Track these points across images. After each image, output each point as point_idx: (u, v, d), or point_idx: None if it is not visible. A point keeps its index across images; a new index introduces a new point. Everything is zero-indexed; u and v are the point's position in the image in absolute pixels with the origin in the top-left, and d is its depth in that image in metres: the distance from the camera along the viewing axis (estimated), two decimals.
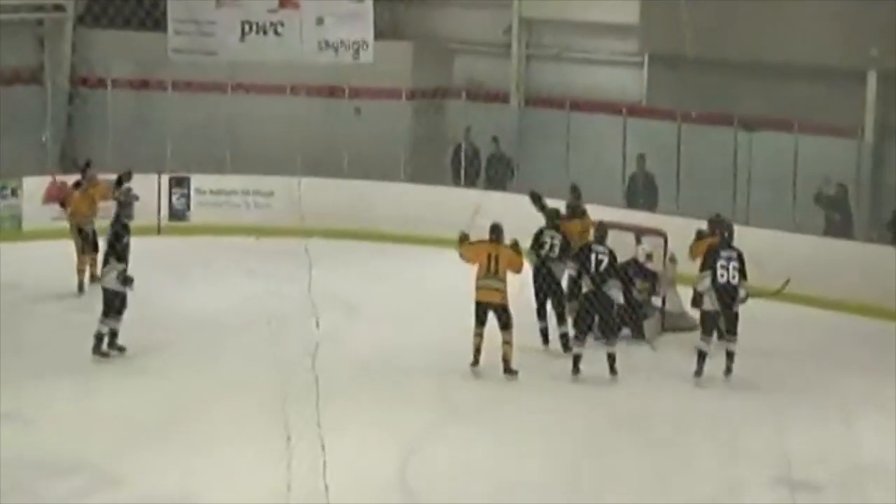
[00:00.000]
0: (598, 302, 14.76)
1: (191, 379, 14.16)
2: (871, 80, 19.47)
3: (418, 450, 12.41)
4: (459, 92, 22.84)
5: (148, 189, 19.43)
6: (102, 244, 15.69)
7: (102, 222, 16.61)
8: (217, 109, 22.33)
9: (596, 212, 16.73)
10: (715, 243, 15.11)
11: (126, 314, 14.99)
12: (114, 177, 17.44)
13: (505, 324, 14.53)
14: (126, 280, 14.81)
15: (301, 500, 9.68)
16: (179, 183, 21.90)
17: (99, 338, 14.81)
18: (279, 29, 20.89)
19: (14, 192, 20.87)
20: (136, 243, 16.31)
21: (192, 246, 20.68)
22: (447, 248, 15.14)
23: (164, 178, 21.64)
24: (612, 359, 14.72)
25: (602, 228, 15.33)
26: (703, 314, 14.98)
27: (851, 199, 19.31)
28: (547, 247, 15.78)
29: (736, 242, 15.01)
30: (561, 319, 15.66)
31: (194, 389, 13.78)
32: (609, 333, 14.84)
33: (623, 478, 11.97)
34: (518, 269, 14.75)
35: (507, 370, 14.57)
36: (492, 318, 14.60)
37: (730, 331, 14.87)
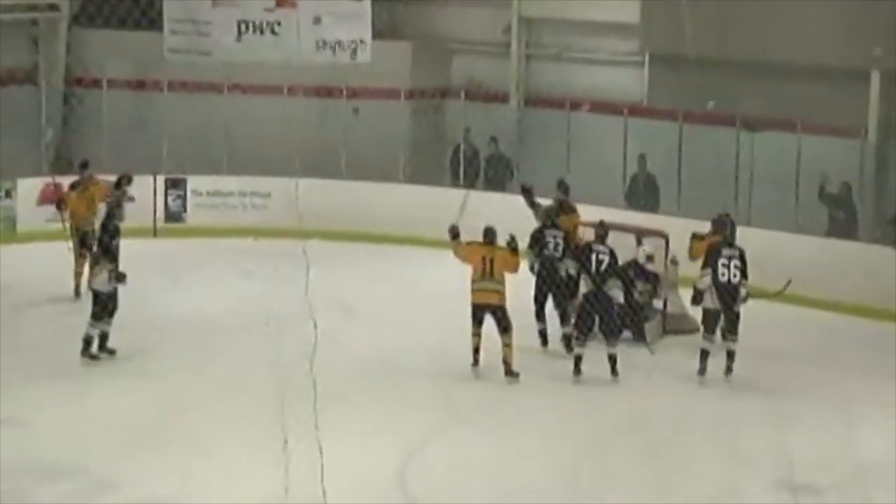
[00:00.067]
0: (598, 302, 14.80)
1: (187, 381, 14.18)
2: (875, 79, 19.47)
3: (417, 452, 12.44)
4: (458, 92, 22.86)
5: (144, 190, 19.48)
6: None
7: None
8: (214, 110, 22.34)
9: (596, 213, 16.75)
10: (717, 242, 15.17)
11: (122, 316, 15.03)
12: (110, 177, 17.47)
13: (504, 327, 14.57)
14: (119, 277, 14.84)
15: (299, 503, 9.72)
16: (176, 184, 21.93)
17: (87, 341, 14.85)
18: (276, 28, 20.93)
19: (8, 194, 20.89)
20: (131, 245, 16.41)
21: (188, 248, 20.70)
22: (446, 249, 15.17)
23: (161, 180, 21.66)
24: (613, 360, 14.77)
25: (603, 228, 15.37)
26: (705, 313, 15.04)
27: (855, 199, 19.35)
28: (551, 246, 15.83)
29: (737, 243, 15.06)
30: (563, 320, 15.72)
31: (191, 392, 13.81)
32: (610, 334, 14.89)
33: (623, 479, 12.01)
34: (514, 270, 14.78)
35: (509, 372, 14.61)
36: (489, 320, 14.64)
37: (730, 330, 14.92)
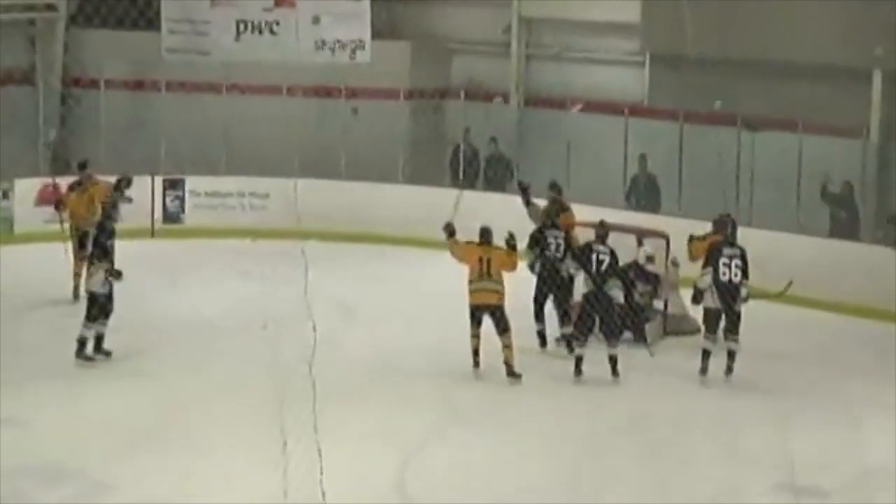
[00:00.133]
0: (598, 303, 14.83)
1: (186, 382, 14.19)
2: (877, 79, 19.48)
3: (417, 454, 12.45)
4: (458, 92, 22.87)
5: (142, 191, 19.47)
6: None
7: None
8: (212, 110, 22.34)
9: (597, 213, 16.77)
10: (718, 241, 15.21)
11: (120, 317, 15.06)
12: (108, 178, 17.48)
13: (503, 328, 14.59)
14: (115, 274, 14.86)
15: None
16: (174, 185, 21.94)
17: (82, 342, 14.87)
18: (275, 28, 20.94)
19: (5, 195, 20.90)
20: (129, 246, 16.44)
21: (186, 249, 20.71)
22: (446, 250, 15.18)
23: (158, 180, 21.67)
24: (613, 360, 14.79)
25: (604, 228, 15.39)
26: (706, 312, 15.07)
27: (857, 199, 19.35)
28: (553, 247, 15.87)
29: (738, 243, 15.10)
30: (565, 320, 15.75)
31: (190, 393, 13.82)
32: (610, 335, 14.91)
33: (624, 480, 12.03)
34: (512, 269, 14.80)
35: (511, 373, 14.63)
36: (488, 321, 14.67)
37: (731, 330, 14.95)
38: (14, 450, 12.03)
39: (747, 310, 15.09)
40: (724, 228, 15.48)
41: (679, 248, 16.30)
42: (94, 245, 15.13)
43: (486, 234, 14.88)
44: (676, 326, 16.60)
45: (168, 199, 21.89)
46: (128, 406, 13.49)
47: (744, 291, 14.97)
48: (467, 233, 14.97)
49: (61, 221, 17.86)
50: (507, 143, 22.36)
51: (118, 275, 14.91)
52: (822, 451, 12.63)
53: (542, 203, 16.65)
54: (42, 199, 20.61)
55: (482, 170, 22.35)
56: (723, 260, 14.96)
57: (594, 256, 15.01)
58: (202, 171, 22.01)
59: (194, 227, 21.71)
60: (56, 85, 22.96)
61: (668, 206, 20.42)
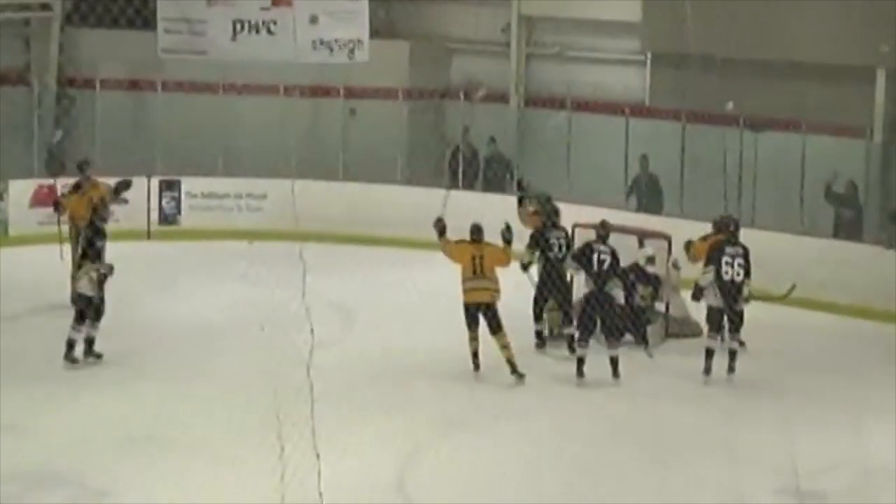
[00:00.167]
0: (598, 303, 14.78)
1: (182, 386, 14.14)
2: (881, 78, 19.46)
3: (416, 459, 12.41)
4: (457, 92, 22.82)
5: (138, 192, 19.40)
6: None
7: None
8: (209, 110, 22.30)
9: (598, 214, 16.71)
10: (720, 240, 15.22)
11: (115, 320, 15.01)
12: (103, 179, 17.42)
13: (495, 327, 14.55)
14: (108, 268, 14.77)
15: None
16: (170, 186, 21.89)
17: (70, 344, 14.81)
18: (272, 28, 20.86)
19: (0, 196, 20.85)
20: (125, 248, 16.42)
21: (182, 251, 20.67)
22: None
23: (155, 182, 21.62)
24: (614, 362, 14.75)
25: (605, 228, 15.35)
26: (709, 311, 15.09)
27: (861, 199, 19.30)
28: (556, 248, 15.85)
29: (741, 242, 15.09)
30: (567, 320, 15.70)
31: (186, 397, 13.76)
32: (610, 335, 14.86)
33: (625, 483, 12.01)
34: (505, 264, 14.77)
35: (514, 372, 14.60)
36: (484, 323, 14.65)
37: (733, 329, 14.93)
38: (9, 454, 11.96)
39: (750, 311, 15.05)
40: (726, 230, 15.47)
41: (680, 251, 16.27)
42: (82, 248, 15.06)
43: (477, 231, 14.85)
44: (678, 329, 16.56)
45: (164, 201, 21.84)
46: (124, 410, 13.44)
47: (746, 290, 14.94)
48: (466, 233, 14.91)
49: (59, 223, 17.74)
50: (507, 143, 22.31)
51: (109, 269, 14.82)
52: (826, 454, 12.59)
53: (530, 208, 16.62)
54: (37, 201, 20.55)
55: (481, 170, 22.30)
56: (725, 259, 14.95)
57: (595, 256, 14.97)
58: (199, 172, 21.96)
59: (191, 228, 21.66)
60: (51, 85, 22.92)
61: (670, 206, 20.39)
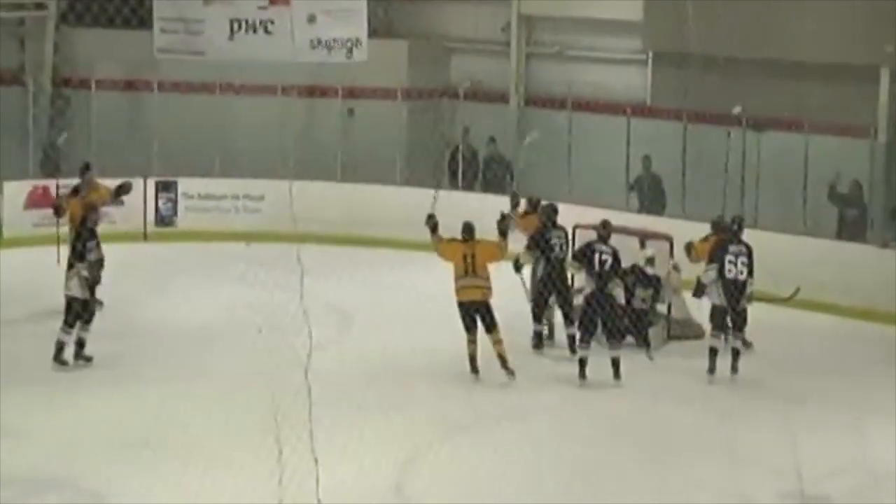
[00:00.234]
0: (599, 304, 14.79)
1: (179, 389, 14.13)
2: (885, 77, 19.47)
3: (415, 462, 12.42)
4: (457, 92, 22.84)
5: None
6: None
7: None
8: (205, 111, 22.32)
9: (599, 215, 16.71)
10: (724, 239, 15.26)
11: (111, 323, 15.02)
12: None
13: (489, 325, 14.60)
14: (97, 265, 14.76)
15: None
16: (166, 187, 21.91)
17: (60, 347, 14.84)
18: (269, 27, 20.78)
19: None
20: (121, 250, 16.42)
21: (179, 252, 20.68)
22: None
23: (151, 183, 21.65)
24: (616, 363, 14.77)
25: (606, 228, 15.37)
26: (713, 309, 15.14)
27: (865, 199, 19.31)
28: (557, 249, 15.89)
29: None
30: (568, 321, 15.73)
31: (182, 400, 13.75)
32: (611, 337, 14.88)
33: (626, 484, 12.03)
34: (500, 257, 14.83)
35: (504, 366, 14.64)
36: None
37: (736, 328, 14.96)
38: (5, 458, 11.97)
39: (752, 312, 15.08)
40: (724, 230, 15.53)
41: (681, 253, 16.29)
42: (73, 248, 15.08)
43: (468, 229, 14.89)
44: (680, 331, 16.59)
45: (161, 202, 21.86)
46: (119, 413, 13.44)
47: (749, 289, 14.97)
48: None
49: (59, 226, 17.69)
50: (507, 144, 22.31)
51: (98, 265, 14.82)
52: (831, 458, 12.59)
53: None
54: (32, 202, 20.55)
55: (481, 171, 22.31)
56: (728, 257, 14.99)
57: (596, 257, 15.00)
58: (195, 173, 21.98)
59: (187, 230, 21.68)
60: (46, 85, 22.95)
61: (672, 207, 20.41)
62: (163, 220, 21.87)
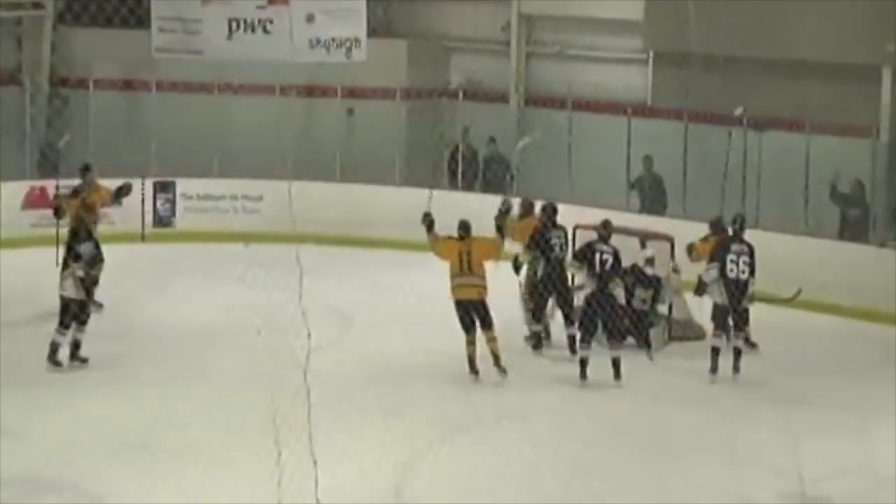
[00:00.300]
0: (600, 305, 14.83)
1: (177, 391, 14.15)
2: (887, 77, 19.50)
3: (415, 464, 12.44)
4: (456, 91, 22.86)
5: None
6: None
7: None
8: (204, 111, 22.33)
9: (600, 216, 16.73)
10: (726, 238, 15.31)
11: (110, 324, 15.05)
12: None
13: (486, 323, 14.66)
14: (90, 262, 14.79)
15: None
16: (164, 188, 21.93)
17: (54, 347, 14.85)
18: (268, 27, 20.78)
19: None
20: (119, 251, 16.42)
21: (178, 253, 20.70)
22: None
23: (149, 183, 21.66)
24: (616, 363, 14.81)
25: (606, 228, 15.41)
26: (715, 308, 15.17)
27: (867, 199, 19.35)
28: (557, 248, 15.93)
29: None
30: (568, 321, 15.78)
31: (181, 402, 13.77)
32: (612, 337, 14.92)
33: (625, 486, 12.06)
34: (496, 256, 14.89)
35: (497, 364, 14.70)
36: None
37: (738, 328, 15.00)
38: (4, 460, 11.99)
39: (754, 313, 15.13)
40: (723, 230, 15.57)
41: (681, 254, 16.33)
42: (68, 248, 15.11)
43: (464, 227, 14.94)
44: (681, 332, 16.61)
45: (159, 203, 21.88)
46: (117, 415, 13.46)
47: (751, 289, 15.02)
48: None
49: (59, 228, 17.71)
50: (507, 144, 22.33)
51: (92, 261, 14.84)
52: (832, 460, 12.60)
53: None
54: (29, 203, 20.57)
55: (481, 171, 22.33)
56: (730, 256, 15.03)
57: (597, 257, 15.03)
58: (194, 174, 21.99)
59: (186, 231, 21.70)
60: (43, 85, 22.96)
61: (672, 207, 20.43)
62: (161, 220, 21.88)
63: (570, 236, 16.35)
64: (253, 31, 20.93)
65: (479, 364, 14.84)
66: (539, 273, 15.98)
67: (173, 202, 21.95)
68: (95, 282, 15.51)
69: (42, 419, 13.33)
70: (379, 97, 22.60)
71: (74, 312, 14.89)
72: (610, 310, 14.92)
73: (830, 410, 14.15)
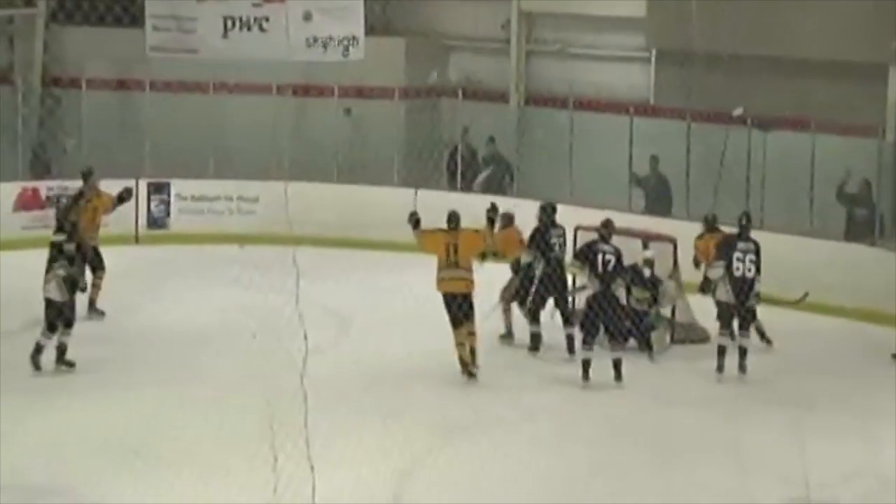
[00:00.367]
0: (601, 306, 14.82)
1: (172, 395, 14.14)
2: (893, 75, 19.51)
3: (413, 468, 12.41)
4: (455, 90, 22.85)
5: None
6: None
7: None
8: (199, 110, 22.33)
9: (602, 216, 16.70)
10: (732, 235, 15.31)
11: (103, 327, 15.01)
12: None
13: (466, 315, 14.67)
14: (73, 281, 14.77)
15: None
16: (159, 189, 21.91)
17: (37, 349, 14.80)
18: (264, 25, 20.84)
19: None
20: (112, 253, 16.40)
21: (172, 255, 20.69)
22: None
23: (143, 184, 21.61)
24: (617, 364, 14.80)
25: (607, 228, 15.40)
26: (720, 306, 15.18)
27: (874, 199, 19.34)
28: (557, 248, 15.96)
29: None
30: (567, 321, 15.77)
31: (176, 406, 13.77)
32: (613, 338, 14.91)
33: (628, 488, 12.06)
34: (482, 247, 14.95)
35: (472, 362, 14.72)
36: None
37: (744, 326, 15.01)
38: None
39: (760, 315, 15.11)
40: (716, 229, 15.58)
41: (683, 252, 16.32)
42: (51, 246, 15.09)
43: (453, 219, 14.94)
44: (684, 335, 16.59)
45: (153, 204, 21.85)
46: (111, 420, 13.44)
47: (757, 287, 15.02)
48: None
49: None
50: (506, 144, 22.33)
51: (76, 286, 14.81)
52: (838, 463, 12.58)
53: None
54: (21, 204, 20.54)
55: (480, 171, 22.32)
56: (736, 254, 15.05)
57: (600, 257, 15.02)
58: (188, 175, 21.98)
59: (180, 232, 21.68)
60: (36, 85, 22.95)
61: (676, 208, 20.42)
62: (155, 222, 21.86)
63: (569, 236, 16.32)
64: (249, 29, 20.98)
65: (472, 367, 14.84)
66: (538, 273, 15.96)
67: (167, 203, 21.94)
68: (77, 282, 15.42)
69: (34, 423, 13.30)
70: (377, 96, 22.60)
71: (59, 314, 14.81)
72: (612, 311, 14.90)
73: (836, 412, 14.15)
